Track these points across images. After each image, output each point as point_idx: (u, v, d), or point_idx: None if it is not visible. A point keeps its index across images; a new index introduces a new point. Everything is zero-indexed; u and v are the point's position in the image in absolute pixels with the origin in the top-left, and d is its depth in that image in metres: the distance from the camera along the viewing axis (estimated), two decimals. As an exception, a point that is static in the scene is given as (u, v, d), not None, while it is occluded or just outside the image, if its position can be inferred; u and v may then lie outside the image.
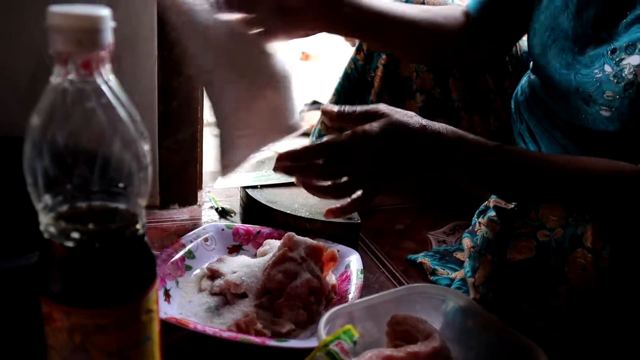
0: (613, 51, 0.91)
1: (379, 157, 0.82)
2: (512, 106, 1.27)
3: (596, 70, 0.93)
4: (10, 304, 0.70)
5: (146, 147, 0.52)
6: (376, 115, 0.84)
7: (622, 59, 0.89)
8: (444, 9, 1.17)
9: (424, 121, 0.84)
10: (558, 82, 1.02)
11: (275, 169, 0.87)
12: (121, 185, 0.51)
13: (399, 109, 0.85)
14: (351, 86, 1.36)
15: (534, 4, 1.08)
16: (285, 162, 0.85)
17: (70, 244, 0.50)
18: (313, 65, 4.62)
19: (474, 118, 1.31)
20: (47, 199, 0.50)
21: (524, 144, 1.19)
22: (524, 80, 1.25)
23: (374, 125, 0.82)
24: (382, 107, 0.85)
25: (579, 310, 0.74)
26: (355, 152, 0.82)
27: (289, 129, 0.90)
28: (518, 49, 1.34)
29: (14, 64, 1.04)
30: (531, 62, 1.17)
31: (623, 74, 0.88)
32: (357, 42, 1.36)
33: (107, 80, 0.50)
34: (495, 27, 1.15)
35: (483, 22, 1.14)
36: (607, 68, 0.91)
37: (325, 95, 3.28)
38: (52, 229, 0.51)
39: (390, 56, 1.31)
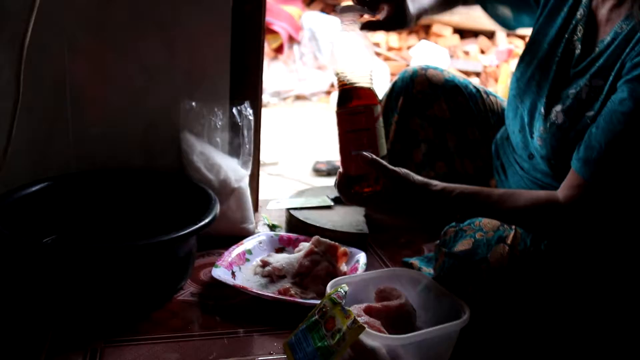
0: (549, 99, 1.26)
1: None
2: (492, 148, 1.68)
3: (541, 112, 1.32)
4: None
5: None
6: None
7: (552, 106, 1.26)
8: None
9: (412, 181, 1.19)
10: (521, 120, 1.40)
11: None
12: None
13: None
14: None
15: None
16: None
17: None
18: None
19: (465, 161, 1.73)
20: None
21: (498, 176, 1.59)
22: (502, 129, 1.67)
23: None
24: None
25: (495, 281, 1.17)
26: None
27: None
28: (498, 107, 1.76)
29: (133, 123, 1.56)
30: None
31: (550, 116, 1.25)
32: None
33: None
34: None
35: None
36: (542, 110, 1.28)
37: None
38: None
39: (401, 115, 1.74)
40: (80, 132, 1.54)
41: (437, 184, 1.20)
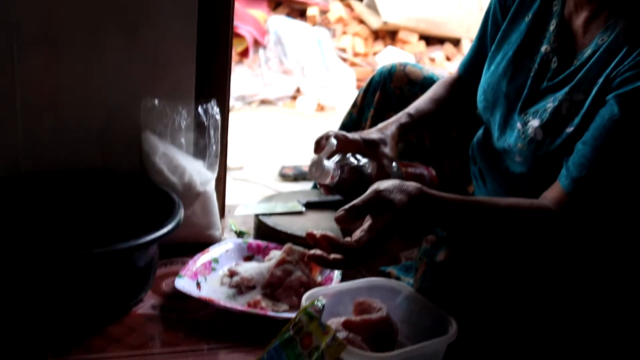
0: (524, 113, 1.24)
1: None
2: (470, 152, 1.62)
3: (517, 127, 1.27)
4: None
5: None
6: (382, 202, 1.04)
7: (528, 121, 1.23)
8: (442, 83, 1.53)
9: (408, 191, 1.05)
10: (494, 133, 1.37)
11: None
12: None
13: (389, 185, 1.06)
14: None
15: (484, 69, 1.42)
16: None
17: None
18: (328, 117, 5.02)
19: (442, 160, 1.67)
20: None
21: (475, 182, 1.53)
22: (480, 132, 1.60)
23: (389, 219, 1.04)
24: (382, 192, 1.05)
25: (482, 292, 1.09)
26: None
27: None
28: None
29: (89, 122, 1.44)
30: None
31: (527, 132, 1.22)
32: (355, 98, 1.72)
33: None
34: (475, 82, 1.42)
35: (467, 79, 1.48)
36: (519, 126, 1.25)
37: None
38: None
39: (378, 110, 1.66)
40: (31, 131, 1.41)
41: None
